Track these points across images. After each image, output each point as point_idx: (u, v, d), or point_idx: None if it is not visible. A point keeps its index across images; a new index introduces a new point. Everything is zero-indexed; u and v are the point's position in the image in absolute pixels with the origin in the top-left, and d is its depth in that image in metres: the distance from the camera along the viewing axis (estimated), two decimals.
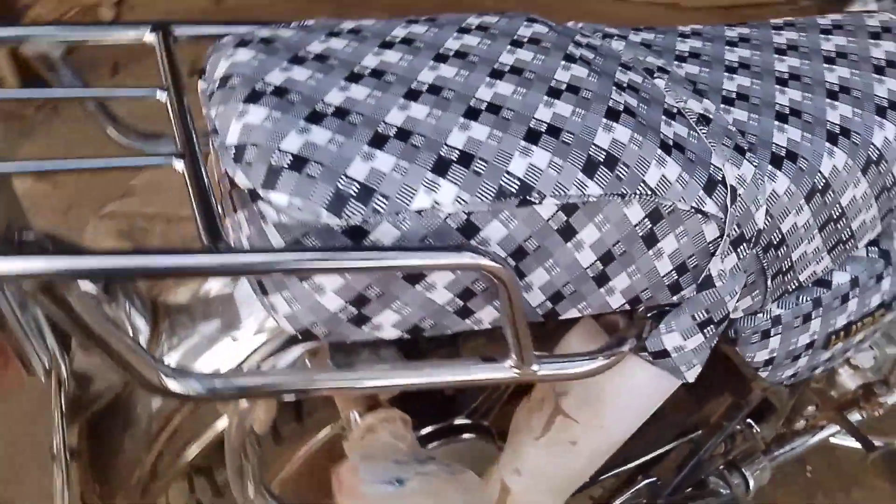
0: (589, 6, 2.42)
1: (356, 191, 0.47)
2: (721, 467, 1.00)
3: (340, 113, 0.51)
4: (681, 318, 0.61)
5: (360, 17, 0.65)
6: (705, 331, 0.62)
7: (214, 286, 0.67)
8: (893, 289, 0.76)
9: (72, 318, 0.41)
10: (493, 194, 0.49)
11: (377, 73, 0.55)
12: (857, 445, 1.06)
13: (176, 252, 0.40)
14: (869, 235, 0.70)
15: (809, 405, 1.04)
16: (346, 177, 0.47)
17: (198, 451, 0.63)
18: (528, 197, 0.50)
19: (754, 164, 0.59)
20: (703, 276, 0.60)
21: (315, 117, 0.50)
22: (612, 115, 0.55)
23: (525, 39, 0.62)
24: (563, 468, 0.74)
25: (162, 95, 0.54)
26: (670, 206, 0.54)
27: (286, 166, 0.47)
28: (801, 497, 1.37)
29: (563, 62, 0.60)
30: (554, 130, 0.53)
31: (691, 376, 0.64)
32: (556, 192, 0.51)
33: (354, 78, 0.54)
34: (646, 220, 0.54)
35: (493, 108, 0.54)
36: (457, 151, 0.50)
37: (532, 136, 0.52)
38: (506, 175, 0.50)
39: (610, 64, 0.62)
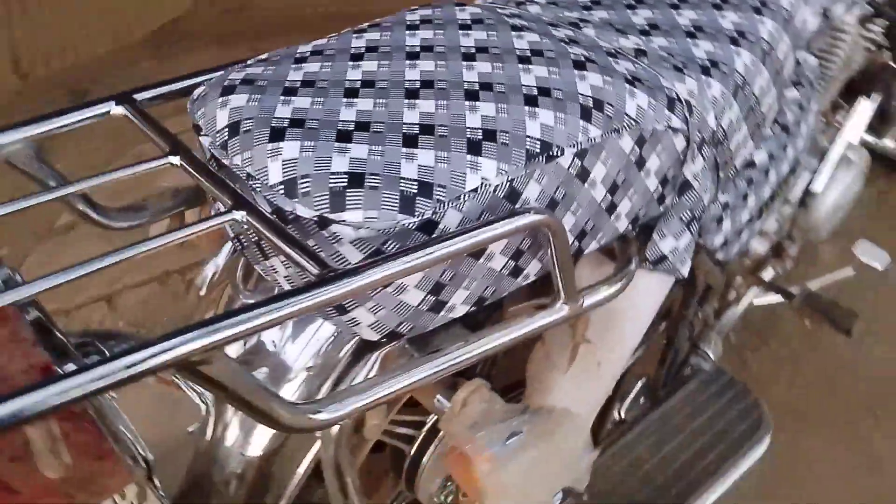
0: None
1: (417, 188, 0.51)
2: (688, 351, 1.13)
3: (362, 126, 0.54)
4: (670, 224, 0.71)
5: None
6: (691, 228, 0.71)
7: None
8: (794, 153, 0.90)
9: (211, 384, 0.41)
10: (524, 158, 0.55)
11: (368, 84, 0.59)
12: (776, 300, 1.24)
13: (287, 295, 0.42)
14: (772, 115, 0.83)
15: (736, 277, 1.19)
16: (403, 178, 0.51)
17: (293, 491, 0.63)
18: (550, 153, 0.56)
19: (693, 77, 0.69)
20: (679, 182, 0.69)
21: (344, 136, 0.53)
22: (579, 65, 0.62)
23: (469, 22, 0.67)
24: (592, 391, 0.82)
25: (174, 160, 0.53)
26: (650, 130, 0.62)
27: (346, 185, 0.50)
28: (731, 358, 1.55)
29: (513, 33, 0.66)
30: (544, 91, 0.59)
31: (685, 271, 0.74)
32: (570, 142, 0.57)
33: (351, 93, 0.57)
34: (634, 146, 0.62)
35: (486, 86, 0.59)
36: (480, 131, 0.55)
37: (530, 101, 0.58)
38: (528, 139, 0.55)
39: (543, 26, 0.69)
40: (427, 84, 0.59)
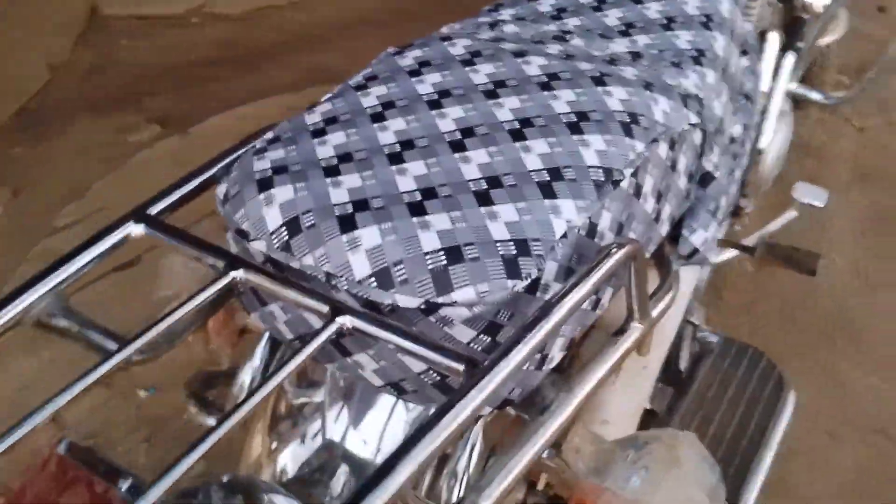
0: None
1: (515, 249, 0.48)
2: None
3: (429, 193, 0.50)
4: (698, 216, 0.71)
5: None
6: (717, 216, 0.72)
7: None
8: (756, 119, 0.94)
9: None
10: (594, 190, 0.53)
11: (407, 144, 0.55)
12: (737, 255, 1.29)
13: (453, 399, 0.38)
14: (737, 87, 0.85)
15: None
16: (498, 242, 0.48)
17: None
18: (614, 178, 0.54)
19: (690, 70, 0.69)
20: (700, 175, 0.70)
21: (417, 209, 0.49)
22: (599, 82, 0.61)
23: (469, 57, 0.65)
24: (642, 393, 0.82)
25: (239, 275, 0.48)
26: (678, 132, 0.62)
27: (445, 263, 0.46)
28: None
29: (518, 60, 0.64)
30: (582, 115, 0.57)
31: (713, 257, 0.75)
32: (626, 163, 0.56)
33: (396, 159, 0.53)
34: (669, 151, 0.61)
35: (526, 122, 0.56)
36: (544, 171, 0.52)
37: (575, 129, 0.56)
38: (590, 169, 0.54)
39: (538, 47, 0.67)
40: (467, 132, 0.56)
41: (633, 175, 0.56)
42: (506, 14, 0.78)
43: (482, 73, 0.62)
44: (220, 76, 1.96)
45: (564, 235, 0.49)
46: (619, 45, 0.71)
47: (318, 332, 0.44)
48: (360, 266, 0.46)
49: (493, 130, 0.55)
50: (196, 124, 1.83)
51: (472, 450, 0.58)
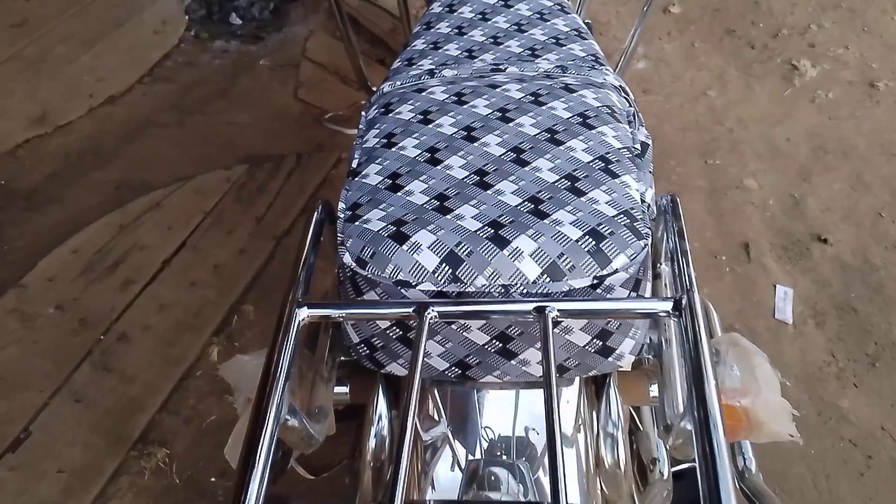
0: None
1: (626, 218, 0.64)
2: None
3: (535, 200, 0.60)
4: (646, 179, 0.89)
5: None
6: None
7: None
8: None
9: None
10: (634, 164, 0.66)
11: (480, 172, 0.64)
12: None
13: None
14: None
15: None
16: (614, 216, 0.59)
17: None
18: (634, 152, 0.69)
19: (598, 69, 0.86)
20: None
21: (539, 213, 0.59)
22: (569, 90, 0.75)
23: (456, 98, 0.75)
24: None
25: (432, 312, 0.53)
26: (633, 115, 0.79)
27: (595, 243, 0.59)
28: None
29: (499, 90, 0.75)
30: (582, 115, 0.71)
31: None
32: (633, 140, 0.71)
33: (482, 184, 0.63)
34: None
35: (551, 130, 0.68)
36: (598, 160, 0.65)
37: (587, 125, 0.69)
38: (622, 150, 0.68)
39: (495, 78, 0.80)
40: (517, 149, 0.66)
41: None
42: (427, 64, 0.89)
43: (482, 107, 0.72)
44: (19, 218, 1.76)
45: (643, 200, 0.62)
46: (542, 63, 0.86)
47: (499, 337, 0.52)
48: (531, 269, 0.55)
49: (535, 143, 0.66)
50: (27, 273, 1.62)
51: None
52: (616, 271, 0.56)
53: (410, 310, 0.53)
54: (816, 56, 2.41)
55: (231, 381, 0.63)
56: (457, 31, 0.94)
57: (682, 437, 0.55)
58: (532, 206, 0.59)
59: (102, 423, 1.36)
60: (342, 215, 0.63)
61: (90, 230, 1.67)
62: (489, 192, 0.61)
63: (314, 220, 0.63)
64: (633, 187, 0.63)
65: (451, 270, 0.56)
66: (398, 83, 0.85)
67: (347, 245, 0.59)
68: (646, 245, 0.57)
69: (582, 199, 0.60)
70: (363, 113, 0.81)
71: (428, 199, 0.61)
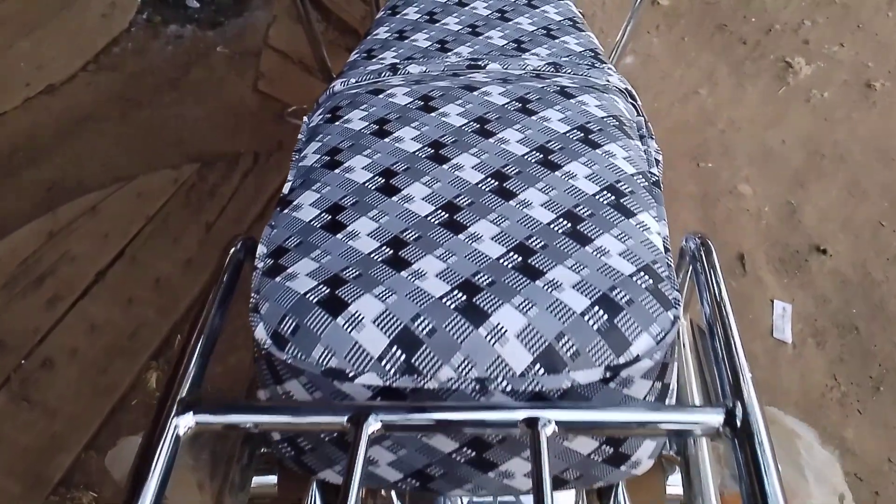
0: None
1: (647, 277, 0.45)
2: None
3: (522, 249, 0.44)
4: None
5: None
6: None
7: None
8: None
9: None
10: (652, 194, 0.51)
11: (451, 207, 0.48)
12: None
13: None
14: None
15: None
16: (632, 276, 0.44)
17: None
18: (652, 180, 0.54)
19: (600, 66, 0.71)
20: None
21: (532, 272, 0.43)
22: (565, 94, 0.60)
23: (422, 103, 0.59)
24: None
25: (375, 424, 0.37)
26: (642, 122, 0.64)
27: (608, 318, 0.42)
28: None
29: (476, 93, 0.60)
30: (583, 129, 0.56)
31: None
32: (648, 163, 0.55)
33: (455, 227, 0.46)
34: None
35: (543, 150, 0.53)
36: (606, 192, 0.49)
37: (591, 143, 0.54)
38: (635, 177, 0.52)
39: (471, 78, 0.64)
40: (499, 176, 0.50)
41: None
42: (389, 57, 0.73)
43: (455, 115, 0.56)
44: None
45: (666, 248, 0.47)
46: (531, 60, 0.70)
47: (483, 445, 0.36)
48: (518, 356, 0.38)
49: (524, 166, 0.51)
50: None
51: None
52: (637, 359, 0.40)
53: (343, 419, 0.37)
54: (810, 54, 2.29)
55: (114, 476, 0.46)
56: (427, 17, 0.78)
57: None
58: (520, 258, 0.43)
59: (18, 463, 1.18)
60: (260, 264, 0.47)
61: (14, 238, 1.48)
62: (462, 236, 0.45)
63: (225, 266, 0.47)
64: (653, 229, 0.47)
65: (404, 357, 0.40)
66: (352, 80, 0.69)
67: (262, 311, 0.43)
68: (676, 318, 0.41)
69: (587, 248, 0.44)
70: (305, 119, 0.65)
71: (378, 245, 0.45)
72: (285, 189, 0.54)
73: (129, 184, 1.63)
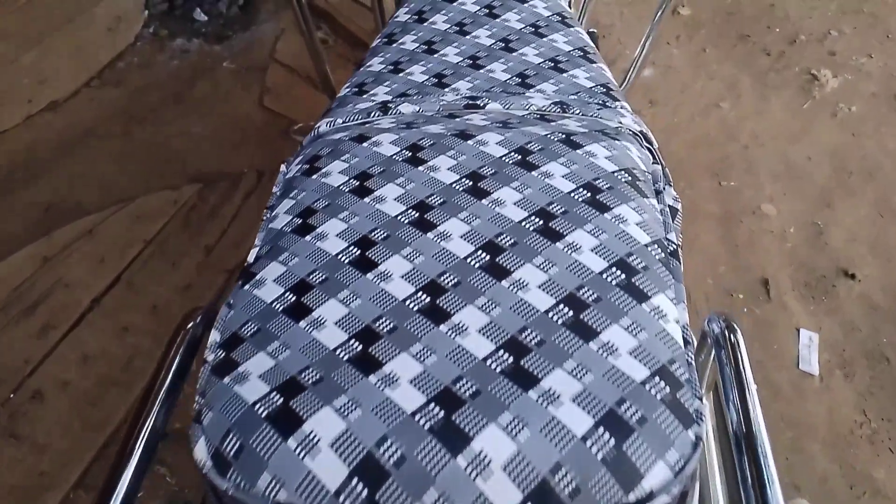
0: None
1: (663, 383, 0.37)
2: None
3: (517, 346, 0.38)
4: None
5: None
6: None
7: None
8: None
9: None
10: (670, 268, 0.44)
11: (438, 286, 0.41)
12: None
13: None
14: None
15: None
16: (643, 383, 0.37)
17: None
18: (669, 250, 0.47)
19: (612, 105, 0.65)
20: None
21: (526, 377, 0.36)
22: (571, 144, 0.53)
23: (410, 154, 0.52)
24: None
25: None
26: (659, 173, 0.57)
27: (615, 443, 0.35)
28: None
29: (470, 143, 0.53)
30: (592, 188, 0.49)
31: None
32: (667, 227, 0.49)
33: (438, 314, 0.40)
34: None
35: (544, 214, 0.46)
36: (615, 269, 0.43)
37: (601, 206, 0.47)
38: (650, 248, 0.45)
39: (466, 121, 0.58)
40: (491, 248, 0.43)
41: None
42: (381, 93, 0.67)
43: (446, 170, 0.50)
44: None
45: (686, 341, 0.39)
46: (536, 98, 0.63)
47: None
48: (505, 494, 0.32)
49: (520, 236, 0.44)
50: None
51: None
52: (651, 496, 0.32)
53: None
54: (837, 65, 2.20)
55: None
56: (425, 47, 0.72)
57: None
58: (511, 360, 0.36)
59: None
60: (210, 356, 0.40)
61: (9, 263, 1.44)
62: (443, 328, 0.38)
63: (178, 344, 0.41)
64: (670, 316, 0.40)
65: (366, 492, 0.33)
66: (339, 120, 0.63)
67: (204, 422, 0.37)
68: (698, 441, 0.34)
69: (591, 345, 0.36)
70: (283, 167, 0.59)
71: (346, 338, 0.38)
72: (251, 256, 0.48)
73: (128, 205, 1.58)
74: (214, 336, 0.42)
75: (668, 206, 0.57)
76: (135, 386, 1.28)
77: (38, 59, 2.04)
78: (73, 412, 1.24)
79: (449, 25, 0.75)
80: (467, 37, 0.72)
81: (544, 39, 0.72)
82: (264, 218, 0.52)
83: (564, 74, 0.67)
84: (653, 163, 0.57)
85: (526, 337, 0.37)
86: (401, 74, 0.68)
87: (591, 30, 1.27)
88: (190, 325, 0.44)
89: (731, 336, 0.41)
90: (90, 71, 2.00)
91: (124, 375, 1.29)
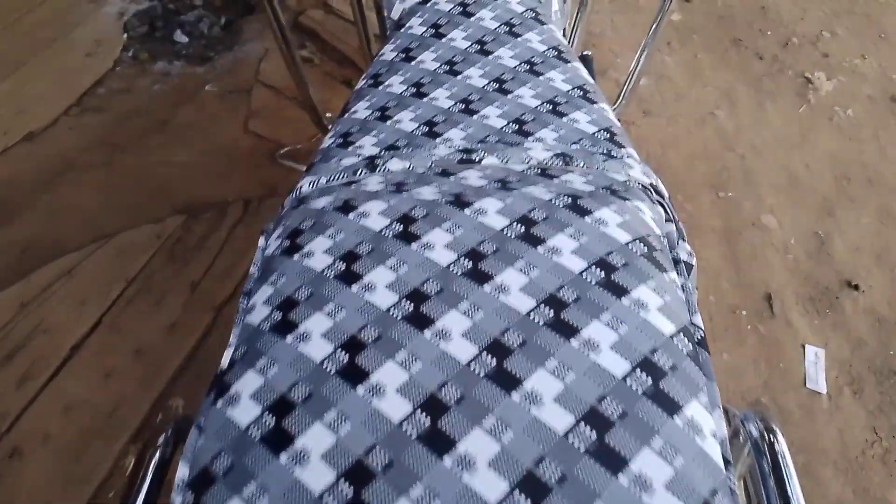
0: None
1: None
2: None
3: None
4: None
5: None
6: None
7: None
8: None
9: None
10: (700, 368, 0.40)
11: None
12: None
13: None
14: None
15: None
16: None
17: None
18: (686, 330, 0.42)
19: (617, 152, 0.60)
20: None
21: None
22: (579, 210, 0.48)
23: (401, 227, 0.48)
24: None
25: None
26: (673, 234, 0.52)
27: None
28: None
29: (467, 212, 0.48)
30: (606, 266, 0.44)
31: None
32: (691, 308, 0.44)
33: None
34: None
35: (555, 301, 0.41)
36: (631, 367, 0.38)
37: (617, 288, 0.43)
38: (674, 339, 0.41)
39: (461, 185, 0.53)
40: (497, 349, 0.39)
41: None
42: (368, 145, 0.62)
43: (441, 247, 0.45)
44: None
45: (727, 462, 0.35)
46: (535, 150, 0.59)
47: None
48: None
49: (529, 330, 0.39)
50: None
51: None
52: None
53: None
54: (831, 68, 2.16)
55: None
56: (414, 90, 0.67)
57: None
58: (529, 498, 0.31)
59: None
60: (177, 500, 0.36)
61: None
62: (447, 463, 0.33)
63: (137, 489, 0.36)
64: (705, 430, 0.34)
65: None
66: (323, 179, 0.58)
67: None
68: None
69: (621, 480, 0.31)
70: (261, 238, 0.54)
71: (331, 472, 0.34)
72: (224, 361, 0.43)
73: (109, 241, 1.52)
74: (182, 471, 0.38)
75: (684, 261, 0.52)
76: (119, 436, 1.23)
77: (16, 87, 1.98)
78: (55, 468, 1.18)
79: (438, 64, 0.70)
80: (458, 77, 0.68)
81: (541, 78, 0.67)
82: (240, 306, 0.47)
83: (564, 119, 0.62)
84: (666, 220, 0.52)
85: (541, 468, 0.32)
86: (388, 122, 0.64)
87: (584, 52, 1.22)
88: (160, 441, 0.40)
89: (771, 435, 0.36)
90: (69, 98, 1.95)
91: (107, 425, 1.23)
